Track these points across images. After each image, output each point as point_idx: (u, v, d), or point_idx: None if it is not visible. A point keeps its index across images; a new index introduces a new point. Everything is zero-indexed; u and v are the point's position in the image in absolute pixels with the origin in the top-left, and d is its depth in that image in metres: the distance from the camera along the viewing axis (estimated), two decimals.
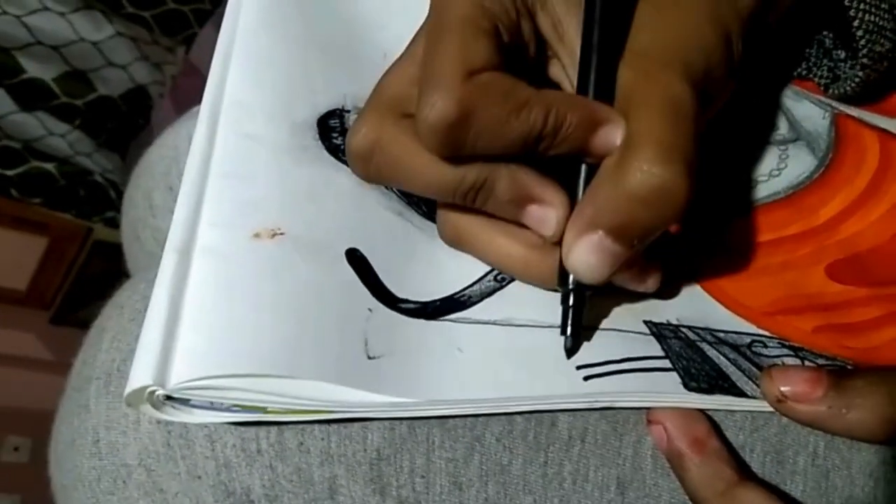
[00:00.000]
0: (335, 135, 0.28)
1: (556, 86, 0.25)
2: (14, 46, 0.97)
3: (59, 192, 1.08)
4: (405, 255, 0.26)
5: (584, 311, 0.24)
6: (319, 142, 0.27)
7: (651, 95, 0.22)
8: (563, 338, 0.24)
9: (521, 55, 0.23)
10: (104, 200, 1.12)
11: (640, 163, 0.21)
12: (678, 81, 0.22)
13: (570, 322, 0.23)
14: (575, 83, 0.24)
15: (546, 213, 0.23)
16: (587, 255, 0.21)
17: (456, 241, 0.26)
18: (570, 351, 0.24)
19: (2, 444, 1.10)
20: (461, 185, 0.22)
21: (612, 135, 0.22)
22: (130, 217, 0.37)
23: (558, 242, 0.23)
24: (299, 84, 0.28)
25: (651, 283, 0.25)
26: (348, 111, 0.28)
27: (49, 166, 1.06)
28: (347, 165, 0.27)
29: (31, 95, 1.00)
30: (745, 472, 0.24)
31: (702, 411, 0.24)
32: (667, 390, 0.24)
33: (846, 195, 0.29)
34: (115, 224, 1.14)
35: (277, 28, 0.29)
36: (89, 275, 1.17)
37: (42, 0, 0.96)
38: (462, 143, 0.21)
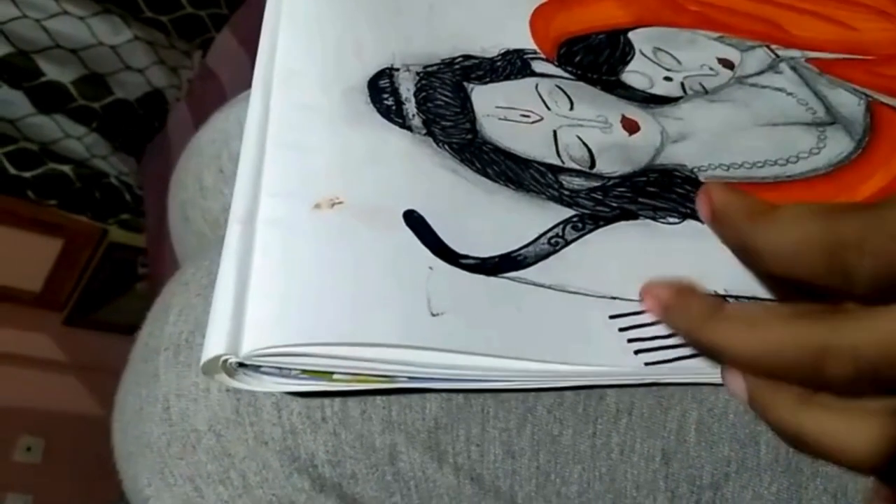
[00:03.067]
0: (385, 96, 0.28)
1: None
2: (33, 49, 0.98)
3: (74, 195, 1.08)
4: (462, 211, 0.26)
5: None
6: (371, 105, 0.27)
7: None
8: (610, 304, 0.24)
9: None
10: (119, 203, 1.12)
11: None
12: None
13: None
14: None
15: None
16: None
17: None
18: None
19: (15, 444, 1.11)
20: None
21: None
22: (179, 198, 0.37)
23: None
24: (348, 46, 0.28)
25: None
26: (397, 69, 0.29)
27: (65, 168, 1.07)
28: (399, 126, 0.27)
29: (48, 98, 1.01)
30: None
31: None
32: (714, 371, 0.25)
33: (884, 175, 0.30)
34: (130, 226, 1.14)
35: None
36: (103, 277, 1.18)
37: (61, 4, 0.97)
38: None
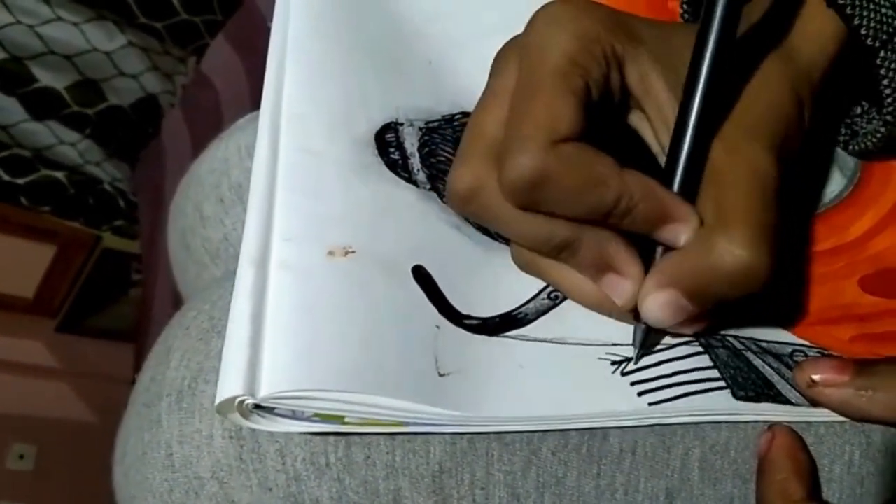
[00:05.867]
0: (392, 149, 0.28)
1: (633, 133, 0.26)
2: (27, 56, 0.97)
3: (68, 201, 1.08)
4: (464, 270, 0.26)
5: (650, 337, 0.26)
6: (378, 157, 0.28)
7: (739, 170, 0.23)
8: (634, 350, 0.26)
9: (605, 104, 0.24)
10: (113, 209, 1.12)
11: (728, 243, 0.22)
12: (764, 154, 0.23)
13: (638, 348, 0.25)
14: (657, 135, 0.25)
15: (622, 285, 0.24)
16: (660, 308, 0.23)
17: (529, 270, 0.27)
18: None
19: (7, 451, 1.10)
20: (548, 242, 0.24)
21: (677, 233, 0.23)
22: (179, 225, 0.37)
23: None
24: (354, 96, 0.29)
25: (698, 329, 0.26)
26: (401, 124, 0.29)
27: (59, 175, 1.06)
28: (405, 181, 0.28)
29: (42, 104, 1.00)
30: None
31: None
32: (717, 407, 0.25)
33: (874, 213, 0.31)
34: (123, 233, 1.14)
35: (326, 37, 0.30)
36: (97, 283, 1.17)
37: (55, 10, 0.97)
38: (537, 203, 0.22)
